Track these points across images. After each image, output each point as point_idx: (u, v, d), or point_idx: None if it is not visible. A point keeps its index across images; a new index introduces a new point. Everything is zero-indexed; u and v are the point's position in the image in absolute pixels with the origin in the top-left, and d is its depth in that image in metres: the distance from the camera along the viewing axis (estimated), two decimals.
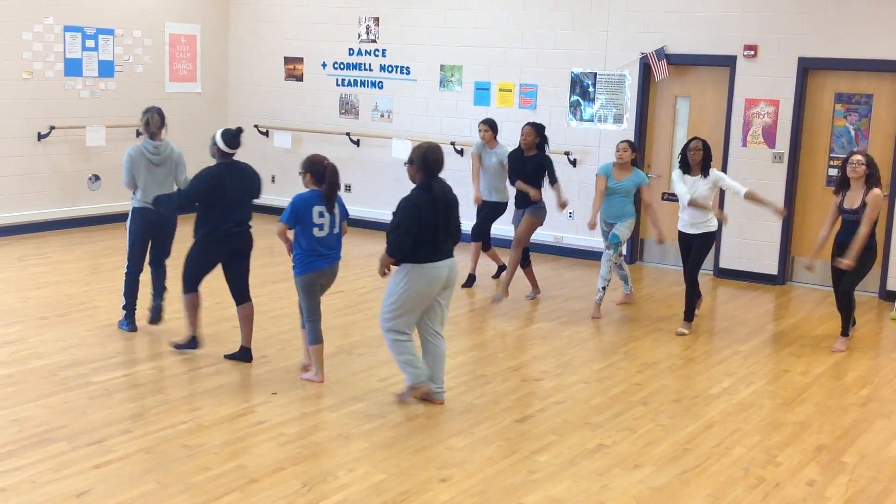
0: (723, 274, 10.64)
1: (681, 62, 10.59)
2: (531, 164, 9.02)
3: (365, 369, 7.02)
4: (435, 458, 5.47)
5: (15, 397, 6.17)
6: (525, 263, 9.28)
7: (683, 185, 8.23)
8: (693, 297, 8.42)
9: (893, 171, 9.66)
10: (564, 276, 10.34)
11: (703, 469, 5.49)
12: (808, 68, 9.98)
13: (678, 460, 5.59)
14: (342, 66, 12.67)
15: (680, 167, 8.33)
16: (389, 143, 12.21)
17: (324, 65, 12.80)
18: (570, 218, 11.25)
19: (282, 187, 12.56)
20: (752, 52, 10.15)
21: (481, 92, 11.71)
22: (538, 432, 5.95)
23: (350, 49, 12.58)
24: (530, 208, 9.06)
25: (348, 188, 12.79)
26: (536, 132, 9.02)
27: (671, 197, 10.90)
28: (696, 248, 8.28)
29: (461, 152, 11.71)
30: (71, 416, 5.88)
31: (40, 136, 11.46)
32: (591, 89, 11.05)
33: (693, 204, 8.19)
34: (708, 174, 8.23)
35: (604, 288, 8.72)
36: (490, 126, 9.64)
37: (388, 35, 12.28)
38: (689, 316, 8.40)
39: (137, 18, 12.34)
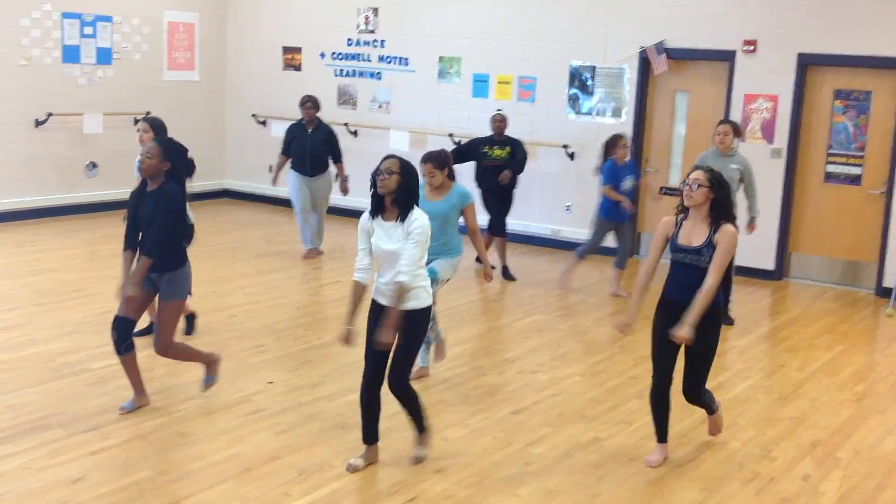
0: None
1: (680, 56, 10.58)
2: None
3: (361, 359, 6.98)
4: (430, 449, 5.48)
5: (10, 384, 6.17)
6: (188, 329, 7.25)
7: (366, 242, 4.98)
8: (372, 414, 5.14)
9: (892, 168, 9.66)
10: (560, 270, 10.34)
11: (698, 463, 5.50)
12: (807, 64, 9.97)
13: (673, 454, 5.59)
14: (341, 56, 12.64)
15: (371, 208, 4.97)
16: (387, 134, 12.19)
17: (322, 55, 12.77)
18: (568, 211, 11.25)
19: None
20: (752, 48, 10.14)
21: (480, 84, 11.69)
22: (533, 424, 5.96)
23: (349, 39, 12.54)
24: None
25: (346, 178, 12.77)
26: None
27: (670, 191, 10.90)
28: (402, 335, 4.96)
29: (459, 143, 11.69)
30: (67, 403, 5.88)
31: (38, 123, 11.43)
32: (589, 83, 11.03)
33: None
34: (406, 218, 4.88)
35: (426, 342, 6.49)
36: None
37: (387, 26, 12.25)
38: (368, 438, 5.17)
39: (136, 6, 12.31)
